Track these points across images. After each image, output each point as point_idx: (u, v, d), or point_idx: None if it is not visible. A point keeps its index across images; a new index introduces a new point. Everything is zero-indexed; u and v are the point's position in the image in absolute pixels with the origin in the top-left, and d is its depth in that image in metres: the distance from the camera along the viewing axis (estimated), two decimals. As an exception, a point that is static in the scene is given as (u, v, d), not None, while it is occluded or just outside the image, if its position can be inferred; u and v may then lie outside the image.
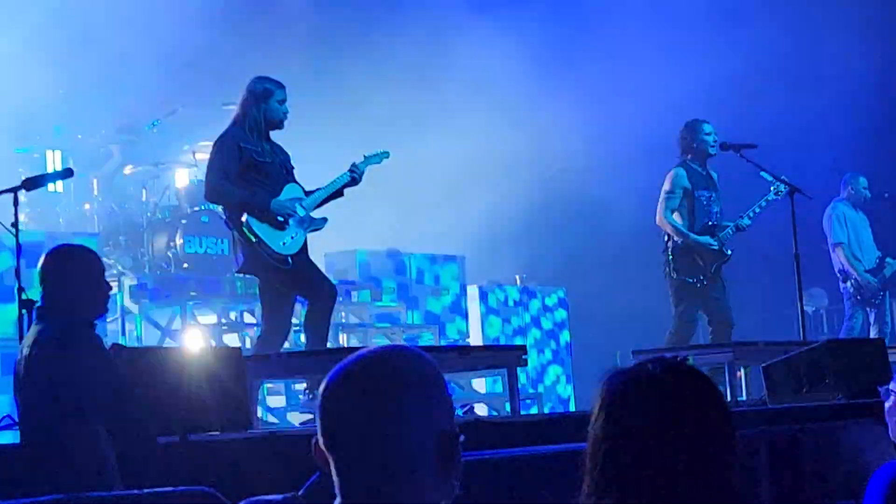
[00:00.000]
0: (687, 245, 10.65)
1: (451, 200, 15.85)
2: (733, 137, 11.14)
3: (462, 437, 2.35)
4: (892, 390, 4.19)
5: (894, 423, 4.18)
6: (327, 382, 2.32)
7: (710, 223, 10.74)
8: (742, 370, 9.88)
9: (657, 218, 10.80)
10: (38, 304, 5.54)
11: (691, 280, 10.64)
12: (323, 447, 2.30)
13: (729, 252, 10.74)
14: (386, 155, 9.40)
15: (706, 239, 10.65)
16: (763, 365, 7.82)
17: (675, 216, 10.72)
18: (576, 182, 16.47)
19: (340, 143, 12.63)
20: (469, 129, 16.13)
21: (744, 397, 9.43)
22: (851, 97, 16.83)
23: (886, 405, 4.21)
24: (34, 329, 5.47)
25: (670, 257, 10.69)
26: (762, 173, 10.88)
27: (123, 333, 11.53)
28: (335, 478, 2.29)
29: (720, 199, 10.91)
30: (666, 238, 10.79)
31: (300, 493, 2.42)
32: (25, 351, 5.37)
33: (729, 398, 8.20)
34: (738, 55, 16.87)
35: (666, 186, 10.79)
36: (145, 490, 3.92)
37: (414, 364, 2.34)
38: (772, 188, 10.89)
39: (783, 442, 5.74)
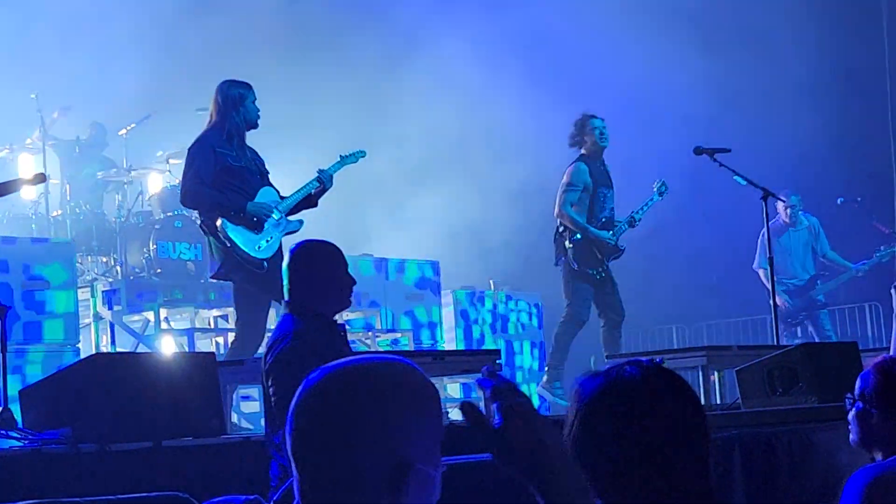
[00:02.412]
0: (587, 238, 10.83)
1: (425, 205, 15.86)
2: (706, 142, 11.16)
3: (424, 469, 2.22)
4: (853, 397, 4.21)
5: (856, 430, 4.19)
6: (297, 397, 2.29)
7: (605, 219, 10.96)
8: (715, 374, 9.89)
9: (556, 210, 11.01)
10: (286, 299, 5.67)
11: (591, 271, 10.87)
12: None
13: (623, 247, 11.02)
14: (362, 154, 9.41)
15: (605, 234, 10.93)
16: (736, 369, 7.82)
17: (574, 209, 10.89)
18: (549, 187, 16.50)
19: (313, 147, 12.63)
20: (443, 133, 16.14)
21: (717, 401, 9.45)
22: (818, 104, 16.91)
23: (850, 414, 4.22)
24: (283, 324, 5.62)
25: (570, 248, 10.87)
26: (735, 177, 10.90)
27: (97, 339, 11.50)
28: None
29: (614, 196, 11.10)
30: (562, 229, 10.97)
31: (275, 497, 2.41)
32: (272, 345, 5.53)
33: (702, 402, 8.20)
34: (709, 57, 16.94)
35: (565, 179, 10.99)
36: (121, 496, 3.90)
37: (381, 384, 2.24)
38: (654, 187, 11.16)
39: (757, 445, 5.76)
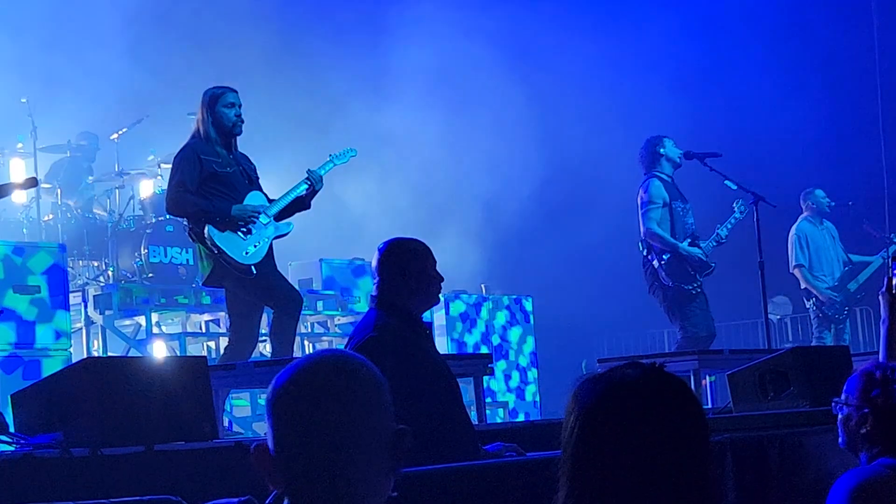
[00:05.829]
0: (678, 255, 10.69)
1: (415, 207, 15.86)
2: (698, 145, 11.17)
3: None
4: (840, 401, 4.23)
5: (842, 433, 4.23)
6: (275, 388, 2.33)
7: (690, 234, 10.81)
8: (707, 378, 9.89)
9: (642, 230, 10.81)
10: (373, 293, 5.76)
11: (688, 287, 10.73)
12: (272, 452, 2.31)
13: (713, 264, 10.85)
14: (353, 153, 9.38)
15: (696, 250, 10.75)
16: (728, 373, 7.83)
17: (659, 227, 10.75)
18: (540, 192, 16.51)
19: (313, 149, 12.64)
20: (432, 134, 16.15)
21: (709, 405, 9.46)
22: (808, 108, 16.93)
23: (839, 417, 4.25)
24: (368, 317, 5.72)
25: (664, 266, 10.73)
26: (726, 182, 10.91)
27: (89, 343, 11.48)
28: (283, 482, 2.31)
29: (692, 211, 10.96)
30: (645, 252, 10.80)
31: (269, 501, 2.41)
32: (350, 338, 5.67)
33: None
34: (695, 55, 16.96)
35: (644, 197, 10.82)
36: (113, 500, 3.90)
37: (357, 366, 2.35)
38: (735, 207, 11.02)
39: (748, 449, 5.76)
